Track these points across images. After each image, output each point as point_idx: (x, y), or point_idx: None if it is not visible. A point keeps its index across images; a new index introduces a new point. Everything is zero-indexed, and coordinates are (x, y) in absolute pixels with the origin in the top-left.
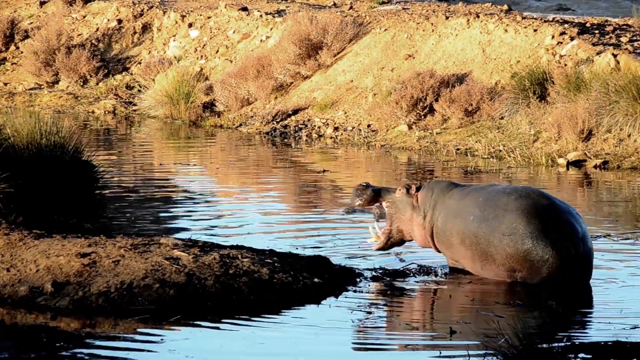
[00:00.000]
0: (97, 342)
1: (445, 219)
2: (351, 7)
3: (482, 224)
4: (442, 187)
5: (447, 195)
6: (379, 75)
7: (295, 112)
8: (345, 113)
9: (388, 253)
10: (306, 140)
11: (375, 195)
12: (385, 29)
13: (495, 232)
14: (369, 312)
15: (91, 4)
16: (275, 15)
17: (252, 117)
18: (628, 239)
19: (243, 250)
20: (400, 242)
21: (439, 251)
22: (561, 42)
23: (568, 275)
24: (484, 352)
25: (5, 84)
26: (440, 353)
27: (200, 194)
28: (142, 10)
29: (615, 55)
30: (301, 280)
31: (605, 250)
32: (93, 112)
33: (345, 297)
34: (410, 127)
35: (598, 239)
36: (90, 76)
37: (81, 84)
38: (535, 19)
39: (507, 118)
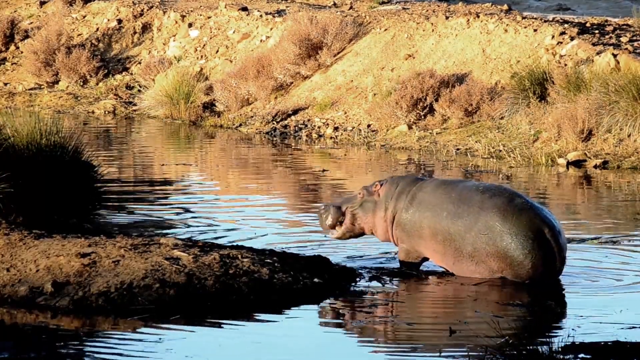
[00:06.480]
0: (97, 342)
1: (414, 211)
2: (351, 7)
3: (457, 221)
4: (408, 181)
5: (416, 187)
6: (379, 75)
7: (295, 112)
8: (345, 113)
9: (386, 252)
10: (306, 140)
11: (338, 209)
12: (385, 29)
13: (471, 230)
14: (369, 312)
15: (91, 4)
16: (275, 15)
17: (252, 117)
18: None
19: (243, 250)
20: (360, 234)
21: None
22: (561, 42)
23: (550, 267)
24: (484, 352)
25: (5, 84)
26: (440, 353)
27: (200, 194)
28: (142, 10)
29: (615, 55)
30: (301, 280)
31: (603, 250)
32: (93, 112)
33: (345, 297)
34: (410, 127)
35: (594, 240)
36: (90, 76)
37: (81, 84)
38: (535, 19)
39: (507, 118)
